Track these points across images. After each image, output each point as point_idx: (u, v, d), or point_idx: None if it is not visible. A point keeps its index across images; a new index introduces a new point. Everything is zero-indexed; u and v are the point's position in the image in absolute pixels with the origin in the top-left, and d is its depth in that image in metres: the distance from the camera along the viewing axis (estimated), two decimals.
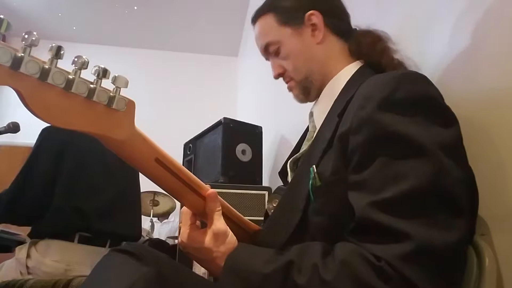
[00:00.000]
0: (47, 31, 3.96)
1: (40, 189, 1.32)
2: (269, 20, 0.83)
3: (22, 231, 1.88)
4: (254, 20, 0.87)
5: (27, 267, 1.29)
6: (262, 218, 1.64)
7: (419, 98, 0.54)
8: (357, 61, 0.78)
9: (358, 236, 0.49)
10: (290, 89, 0.85)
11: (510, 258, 0.58)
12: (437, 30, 0.85)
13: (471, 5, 0.75)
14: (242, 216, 0.69)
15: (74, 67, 0.43)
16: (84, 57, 0.43)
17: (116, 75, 0.46)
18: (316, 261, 0.48)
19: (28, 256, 1.30)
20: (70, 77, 0.43)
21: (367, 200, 0.49)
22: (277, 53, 0.82)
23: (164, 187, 0.58)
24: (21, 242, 1.83)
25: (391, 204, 0.47)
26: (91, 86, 0.45)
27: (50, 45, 0.40)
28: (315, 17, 0.79)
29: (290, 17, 0.80)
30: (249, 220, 0.70)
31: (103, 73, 0.45)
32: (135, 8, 3.85)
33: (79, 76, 0.43)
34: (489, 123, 0.67)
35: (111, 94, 0.47)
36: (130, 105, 0.49)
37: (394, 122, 0.51)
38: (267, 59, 0.88)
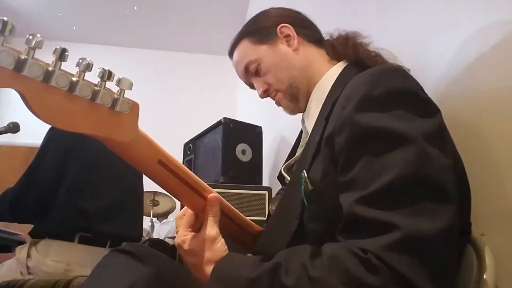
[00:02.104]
0: (47, 31, 3.96)
1: (45, 189, 1.32)
2: (244, 45, 0.86)
3: (22, 231, 1.88)
4: (231, 52, 0.90)
5: (28, 267, 1.29)
6: (262, 218, 1.66)
7: (397, 92, 0.54)
8: (341, 62, 0.78)
9: (346, 234, 0.49)
10: (278, 103, 0.85)
11: (510, 258, 0.58)
12: (435, 36, 0.85)
13: (469, 10, 0.75)
14: (245, 217, 0.69)
15: (78, 69, 0.43)
16: (88, 59, 0.42)
17: (121, 77, 0.46)
18: (304, 261, 0.47)
19: (28, 256, 1.30)
20: (74, 79, 0.42)
21: (353, 198, 0.49)
22: (257, 73, 0.84)
23: (166, 189, 0.58)
24: (21, 242, 1.83)
25: (376, 197, 0.47)
26: (95, 88, 0.44)
27: (55, 47, 0.40)
28: (286, 28, 0.83)
29: (263, 35, 0.84)
30: (250, 220, 0.70)
31: (107, 75, 0.44)
32: (135, 8, 3.85)
33: (83, 79, 0.43)
34: (486, 125, 0.67)
35: (115, 96, 0.46)
36: (134, 107, 0.49)
37: (374, 119, 0.51)
38: (250, 85, 0.90)
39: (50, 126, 1.36)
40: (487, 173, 0.65)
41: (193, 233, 0.62)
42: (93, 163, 1.42)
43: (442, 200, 0.47)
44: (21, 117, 1.84)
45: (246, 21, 0.89)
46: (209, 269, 0.57)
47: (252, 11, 0.90)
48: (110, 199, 1.44)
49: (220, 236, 0.60)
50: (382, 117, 0.51)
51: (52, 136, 1.38)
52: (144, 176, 1.71)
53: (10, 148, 3.86)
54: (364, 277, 0.42)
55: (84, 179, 1.38)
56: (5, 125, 1.56)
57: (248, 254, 0.75)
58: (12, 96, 4.10)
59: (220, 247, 0.59)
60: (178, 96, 4.33)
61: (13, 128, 1.56)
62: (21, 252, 1.33)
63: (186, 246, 0.60)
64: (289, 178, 0.76)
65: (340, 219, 0.51)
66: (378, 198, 0.47)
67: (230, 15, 3.79)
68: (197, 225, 0.64)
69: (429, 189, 0.47)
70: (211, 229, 0.59)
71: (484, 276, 0.52)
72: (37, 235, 1.36)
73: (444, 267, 0.45)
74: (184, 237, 0.61)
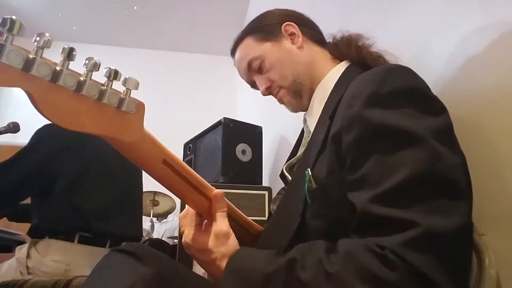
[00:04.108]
0: (47, 31, 3.94)
1: (21, 177, 1.30)
2: (248, 42, 0.86)
3: (22, 231, 1.88)
4: (234, 50, 0.89)
5: (27, 267, 1.29)
6: (262, 218, 1.66)
7: (405, 90, 0.54)
8: (344, 62, 0.79)
9: (361, 233, 0.48)
10: (281, 100, 0.85)
11: (510, 257, 0.58)
12: (434, 35, 0.85)
13: (469, 9, 0.75)
14: (247, 217, 0.69)
15: (85, 69, 0.42)
16: (95, 58, 0.42)
17: (127, 76, 0.46)
18: (321, 256, 0.47)
19: (28, 256, 1.30)
20: (81, 79, 0.42)
21: (366, 196, 0.49)
22: (260, 70, 0.84)
23: (170, 188, 0.58)
24: (21, 242, 1.83)
25: (390, 196, 0.47)
26: (102, 88, 0.44)
27: (63, 47, 0.40)
28: (291, 26, 0.84)
29: (267, 33, 0.84)
30: (251, 220, 0.70)
31: (114, 74, 0.44)
32: (135, 8, 3.85)
33: (90, 78, 0.43)
34: (487, 123, 0.67)
35: (121, 96, 0.46)
36: (140, 107, 0.49)
37: (382, 117, 0.51)
38: (252, 83, 0.89)
39: (41, 124, 1.31)
40: (487, 173, 0.65)
41: (202, 230, 0.62)
42: (91, 163, 1.42)
43: (455, 197, 0.47)
44: (21, 117, 1.84)
45: (247, 22, 0.90)
46: (224, 264, 0.56)
47: (252, 11, 0.90)
48: (109, 198, 1.43)
49: (231, 230, 0.60)
50: (391, 115, 0.51)
51: (45, 134, 1.36)
52: (143, 176, 1.72)
53: (10, 148, 3.83)
54: (381, 273, 0.42)
55: (82, 179, 1.37)
56: (5, 125, 1.56)
57: None
58: (13, 96, 4.10)
59: (232, 242, 0.59)
60: (178, 96, 4.33)
61: (13, 128, 1.56)
62: (20, 252, 1.33)
63: (196, 245, 0.60)
64: (290, 178, 0.76)
65: (343, 218, 0.51)
66: (392, 196, 0.47)
67: (230, 15, 3.79)
68: (201, 224, 0.64)
69: (442, 186, 0.47)
70: (222, 224, 0.59)
71: (484, 276, 0.52)
72: (36, 234, 1.36)
73: (461, 264, 0.45)
74: (192, 236, 0.61)
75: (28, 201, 1.41)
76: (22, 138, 1.46)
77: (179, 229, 1.78)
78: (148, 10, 3.88)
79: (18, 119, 1.58)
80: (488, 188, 0.64)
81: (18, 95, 4.03)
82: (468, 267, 0.50)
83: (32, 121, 1.40)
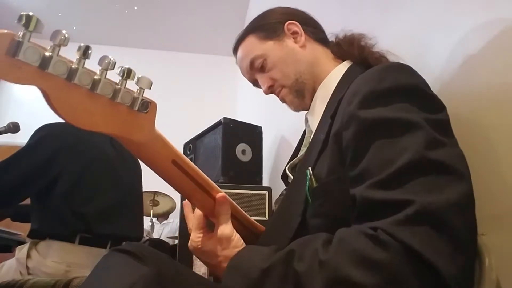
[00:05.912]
0: (47, 31, 3.95)
1: (22, 177, 1.27)
2: (250, 41, 0.85)
3: (22, 231, 1.88)
4: (236, 48, 0.89)
5: (27, 267, 1.29)
6: (262, 218, 1.66)
7: (403, 88, 0.54)
8: (346, 62, 0.78)
9: (361, 220, 0.48)
10: (283, 99, 0.85)
11: (510, 257, 0.58)
12: (435, 33, 0.85)
13: (469, 8, 0.75)
14: (250, 217, 0.69)
15: (100, 68, 0.42)
16: (110, 57, 0.42)
17: (140, 76, 0.45)
18: (317, 247, 0.47)
19: (28, 256, 1.30)
20: (96, 77, 0.42)
21: (365, 185, 0.49)
22: (263, 68, 0.84)
23: (177, 188, 0.58)
24: (21, 242, 1.83)
25: (387, 181, 0.47)
26: (116, 87, 0.44)
27: (79, 45, 0.39)
28: (294, 25, 0.83)
29: (270, 31, 0.84)
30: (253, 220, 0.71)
31: (127, 73, 0.44)
32: (135, 8, 3.85)
33: (105, 77, 0.42)
34: (487, 122, 0.67)
35: (134, 95, 0.46)
36: (152, 106, 0.49)
37: (380, 112, 0.52)
38: (254, 82, 0.89)
39: (41, 124, 1.29)
40: (486, 172, 0.65)
41: (208, 233, 0.63)
42: (91, 164, 1.41)
43: (453, 179, 0.46)
44: (21, 117, 1.85)
45: (247, 22, 0.90)
46: None
47: (252, 12, 0.90)
48: (109, 201, 1.42)
49: (235, 232, 0.60)
50: (389, 109, 0.52)
51: (48, 133, 1.35)
52: (143, 176, 1.71)
53: (10, 148, 3.84)
54: (372, 253, 0.42)
55: (82, 180, 1.37)
56: (5, 125, 1.57)
57: None
58: (13, 95, 4.10)
59: (236, 243, 0.59)
60: (178, 96, 4.33)
61: (13, 128, 1.56)
62: (21, 252, 1.32)
63: (202, 248, 0.61)
64: (292, 178, 0.77)
65: (344, 216, 0.51)
66: (389, 181, 0.47)
67: (231, 15, 3.79)
68: (207, 225, 0.65)
69: (440, 170, 0.47)
70: (225, 227, 0.60)
71: (484, 276, 0.52)
72: (37, 236, 1.35)
73: (458, 240, 0.43)
74: (197, 240, 0.62)
75: (28, 201, 1.41)
76: (22, 138, 1.46)
77: (179, 230, 1.78)
78: (148, 10, 3.88)
79: (18, 119, 1.58)
80: (487, 187, 0.64)
81: (18, 95, 4.03)
82: (470, 246, 0.46)
83: (32, 121, 1.40)
